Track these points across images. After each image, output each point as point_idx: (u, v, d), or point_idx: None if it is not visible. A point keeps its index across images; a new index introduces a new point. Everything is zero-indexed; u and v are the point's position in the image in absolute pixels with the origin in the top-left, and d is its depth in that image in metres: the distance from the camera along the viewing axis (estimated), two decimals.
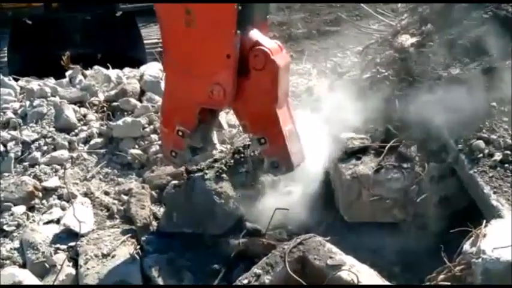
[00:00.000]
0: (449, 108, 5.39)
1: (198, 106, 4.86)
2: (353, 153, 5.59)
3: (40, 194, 6.44)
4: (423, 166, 5.30)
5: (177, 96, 4.97)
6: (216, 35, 4.52)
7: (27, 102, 7.64)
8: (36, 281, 5.48)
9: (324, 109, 6.22)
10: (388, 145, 5.51)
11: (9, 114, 7.55)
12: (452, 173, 5.27)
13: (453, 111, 5.36)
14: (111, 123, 7.25)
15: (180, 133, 5.02)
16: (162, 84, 7.63)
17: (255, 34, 4.59)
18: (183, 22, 4.57)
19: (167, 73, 5.01)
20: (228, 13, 4.37)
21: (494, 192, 4.88)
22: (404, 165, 5.35)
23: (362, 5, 12.27)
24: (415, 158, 5.37)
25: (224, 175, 5.65)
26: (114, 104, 7.60)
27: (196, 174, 5.74)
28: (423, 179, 5.24)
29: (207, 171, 5.75)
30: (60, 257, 5.65)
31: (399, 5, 10.15)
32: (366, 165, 5.41)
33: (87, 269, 5.47)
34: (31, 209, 6.31)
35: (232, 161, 5.81)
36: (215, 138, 5.44)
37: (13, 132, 7.18)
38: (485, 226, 4.44)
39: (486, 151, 5.14)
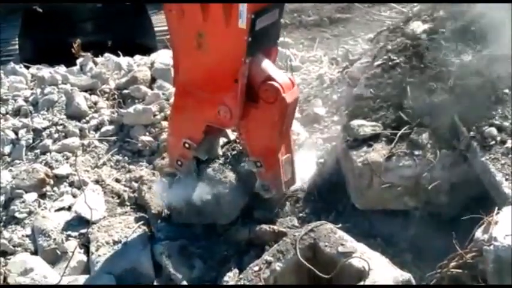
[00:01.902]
0: (461, 94, 5.36)
1: (204, 123, 4.96)
2: (364, 140, 5.55)
3: (51, 182, 6.46)
4: (435, 153, 5.27)
5: (185, 111, 5.07)
6: (226, 60, 4.61)
7: (38, 90, 7.66)
8: (47, 268, 5.51)
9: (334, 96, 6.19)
10: (400, 132, 5.47)
11: (20, 101, 7.59)
12: (464, 160, 5.23)
13: (465, 98, 5.34)
14: (122, 110, 7.25)
15: (187, 145, 5.14)
16: (173, 72, 7.64)
17: (267, 66, 4.68)
18: (195, 44, 4.63)
19: (177, 89, 5.10)
20: (238, 42, 4.42)
21: (506, 180, 4.85)
22: (416, 153, 5.31)
23: None
24: (427, 145, 5.33)
25: (228, 164, 5.65)
26: (125, 91, 7.61)
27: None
28: (435, 167, 5.21)
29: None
30: (72, 244, 5.69)
31: None
32: (377, 152, 5.38)
33: (99, 255, 5.50)
34: (42, 196, 6.34)
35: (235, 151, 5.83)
36: (219, 147, 5.48)
37: (24, 120, 7.20)
38: (497, 213, 4.42)
39: (498, 138, 5.11)
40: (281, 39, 9.14)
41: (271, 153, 4.90)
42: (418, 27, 6.55)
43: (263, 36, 4.59)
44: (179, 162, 5.33)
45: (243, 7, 4.34)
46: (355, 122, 5.65)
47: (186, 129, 5.11)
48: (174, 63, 4.99)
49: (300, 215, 5.51)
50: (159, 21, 12.29)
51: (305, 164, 5.60)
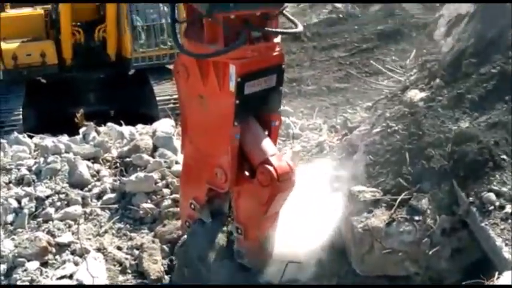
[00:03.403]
0: (459, 160, 5.43)
1: (206, 185, 5.00)
2: (364, 206, 5.59)
3: (53, 250, 6.48)
4: (434, 219, 5.30)
5: (190, 172, 5.14)
6: (221, 122, 4.69)
7: (42, 159, 7.74)
8: None
9: (334, 163, 6.25)
10: (400, 198, 5.52)
11: (24, 170, 7.65)
12: (463, 225, 5.26)
13: (463, 164, 5.40)
14: (124, 178, 7.33)
15: (193, 206, 5.17)
16: (175, 140, 7.74)
17: (267, 146, 4.74)
18: (198, 105, 4.75)
19: (185, 150, 5.18)
20: (229, 104, 4.51)
21: (506, 245, 4.87)
22: (416, 218, 5.34)
23: (371, 61, 12.44)
24: (427, 211, 5.37)
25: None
26: (127, 159, 7.70)
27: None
28: (435, 232, 5.24)
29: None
30: None
31: (408, 61, 10.28)
32: (378, 218, 5.42)
33: None
34: (44, 264, 6.35)
35: None
36: (227, 210, 5.50)
37: (27, 189, 7.26)
38: (498, 278, 4.43)
39: (497, 203, 5.15)
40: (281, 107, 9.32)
41: (252, 228, 4.97)
42: (415, 95, 6.66)
43: (256, 101, 4.65)
44: (187, 223, 5.37)
45: (233, 69, 4.43)
46: (355, 188, 5.70)
47: (192, 190, 5.17)
48: (182, 124, 5.09)
49: (302, 281, 5.49)
50: (161, 91, 12.48)
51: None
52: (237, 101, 4.52)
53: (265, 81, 4.67)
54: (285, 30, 4.82)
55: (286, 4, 4.60)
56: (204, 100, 4.74)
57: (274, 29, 4.59)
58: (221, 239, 5.36)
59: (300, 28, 4.75)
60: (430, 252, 5.19)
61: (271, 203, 4.74)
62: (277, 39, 4.70)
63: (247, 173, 4.90)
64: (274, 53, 4.69)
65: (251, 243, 5.02)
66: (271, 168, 4.61)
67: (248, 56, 4.51)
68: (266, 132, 4.94)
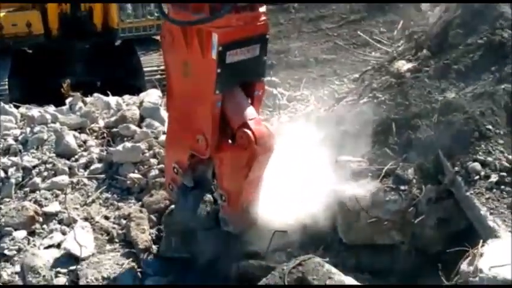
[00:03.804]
0: (445, 130, 5.47)
1: (188, 150, 5.01)
2: (351, 176, 5.63)
3: (41, 219, 6.49)
4: (420, 188, 5.35)
5: (175, 136, 5.17)
6: (203, 90, 4.69)
7: (28, 129, 7.71)
8: None
9: (321, 133, 6.27)
10: (386, 168, 5.56)
11: (10, 140, 7.62)
12: (449, 195, 5.31)
13: (449, 134, 5.44)
14: (111, 148, 7.32)
15: (175, 170, 5.19)
16: (162, 111, 7.73)
17: (246, 110, 4.76)
18: (183, 71, 4.75)
19: (169, 113, 5.21)
20: (211, 73, 4.52)
21: (491, 214, 4.93)
22: (402, 188, 5.39)
23: (359, 32, 12.43)
24: (412, 181, 5.42)
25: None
26: (114, 130, 7.68)
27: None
28: (420, 201, 5.29)
29: None
30: (61, 281, 5.71)
31: (395, 32, 10.28)
32: (364, 188, 5.45)
33: None
34: (32, 233, 6.36)
35: None
36: (211, 178, 5.49)
37: (14, 158, 7.24)
38: (482, 246, 4.49)
39: (482, 173, 5.20)
40: (268, 78, 9.31)
41: (235, 194, 5.01)
42: (402, 66, 6.69)
43: (239, 70, 4.66)
44: (170, 186, 5.40)
45: (215, 38, 4.43)
46: (342, 158, 5.74)
47: (175, 154, 5.20)
48: (168, 88, 5.10)
49: (288, 250, 5.53)
50: (147, 61, 12.43)
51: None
52: (219, 70, 4.53)
53: (248, 51, 4.66)
54: None
55: None
56: (188, 67, 4.75)
57: None
58: (206, 207, 5.39)
59: None
60: (416, 221, 5.25)
61: (251, 166, 4.78)
62: (263, 9, 4.69)
63: (230, 141, 4.93)
64: (259, 23, 4.68)
65: (235, 209, 5.06)
66: (249, 131, 4.65)
67: (232, 25, 4.51)
68: (249, 101, 4.95)
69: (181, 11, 4.63)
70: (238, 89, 4.86)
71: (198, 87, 4.75)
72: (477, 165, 5.23)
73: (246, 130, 4.66)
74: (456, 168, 5.28)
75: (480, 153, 5.35)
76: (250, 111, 4.79)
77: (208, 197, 5.39)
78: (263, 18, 4.68)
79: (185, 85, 4.86)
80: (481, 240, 4.56)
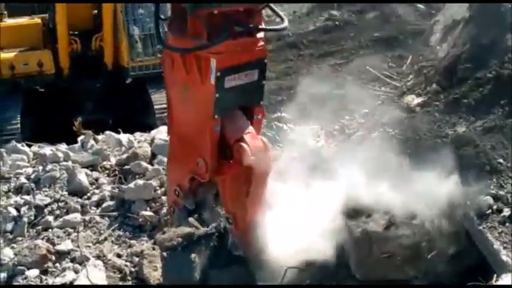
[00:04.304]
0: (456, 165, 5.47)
1: (189, 173, 5.04)
2: (363, 211, 5.61)
3: (53, 257, 6.49)
4: (433, 222, 5.33)
5: (176, 160, 5.18)
6: (202, 114, 4.72)
7: (40, 167, 7.76)
8: None
9: (333, 169, 6.27)
10: (398, 202, 5.54)
11: (23, 179, 7.66)
12: (462, 229, 5.29)
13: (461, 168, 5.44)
14: (123, 186, 7.34)
15: (176, 193, 5.19)
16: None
17: (243, 127, 4.76)
18: (182, 95, 4.79)
19: (170, 136, 5.22)
20: (209, 97, 4.55)
21: (504, 248, 4.91)
22: (414, 222, 5.37)
23: (368, 67, 12.48)
24: (425, 215, 5.40)
25: None
26: (126, 167, 7.72)
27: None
28: (433, 236, 5.26)
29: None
30: None
31: (404, 67, 10.33)
32: (376, 222, 5.44)
33: None
34: (44, 272, 6.37)
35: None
36: (212, 201, 5.49)
37: (26, 197, 7.28)
38: (496, 281, 4.46)
39: (495, 207, 5.19)
40: (278, 114, 9.35)
41: (240, 214, 4.97)
42: (412, 100, 6.72)
43: (238, 94, 4.67)
44: (172, 209, 5.41)
45: (213, 63, 4.46)
46: (353, 192, 5.73)
47: (176, 177, 5.20)
48: (168, 112, 5.11)
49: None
50: (158, 99, 12.49)
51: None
52: (217, 95, 4.55)
53: (246, 76, 4.68)
54: (268, 27, 4.83)
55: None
56: (187, 91, 4.78)
57: (257, 25, 4.61)
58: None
59: (285, 24, 4.77)
60: (429, 256, 5.22)
61: (250, 181, 4.76)
62: (260, 34, 4.71)
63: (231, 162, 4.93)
64: (257, 48, 4.70)
65: (243, 230, 5.02)
66: (244, 144, 4.64)
67: (230, 50, 4.53)
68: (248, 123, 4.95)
69: (179, 37, 4.67)
70: (237, 111, 4.86)
71: (197, 111, 4.77)
72: (489, 199, 5.22)
73: (242, 144, 4.66)
74: (468, 202, 5.27)
75: (492, 186, 5.34)
76: (246, 127, 4.78)
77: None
78: (261, 43, 4.70)
79: (185, 109, 4.88)
80: (495, 275, 4.54)
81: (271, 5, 4.64)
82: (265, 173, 4.88)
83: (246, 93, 4.78)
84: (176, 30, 4.72)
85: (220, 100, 4.57)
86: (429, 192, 5.54)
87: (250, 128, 4.82)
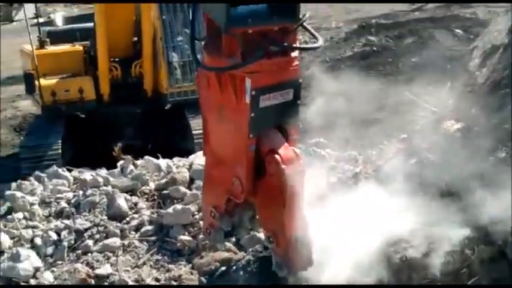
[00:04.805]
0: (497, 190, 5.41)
1: (225, 194, 5.02)
2: (402, 237, 5.58)
3: (92, 281, 6.55)
4: (473, 249, 5.28)
5: (211, 180, 5.17)
6: (237, 133, 4.70)
7: (80, 192, 7.87)
8: None
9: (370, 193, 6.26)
10: (438, 228, 5.50)
11: (63, 204, 7.79)
12: (502, 255, 5.22)
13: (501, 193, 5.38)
14: (161, 211, 7.40)
15: (212, 214, 5.18)
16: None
17: (274, 139, 4.75)
18: (218, 115, 4.81)
19: (206, 158, 5.22)
20: (244, 117, 4.56)
21: None
22: (454, 248, 5.32)
23: (407, 93, 12.44)
24: (465, 241, 5.35)
25: None
26: (164, 192, 7.78)
27: None
28: (473, 262, 5.21)
29: None
30: None
31: (443, 92, 10.26)
32: (415, 249, 5.40)
33: None
34: None
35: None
36: (248, 222, 5.46)
37: (66, 221, 7.39)
38: None
39: None
40: (316, 139, 9.35)
41: (278, 228, 4.85)
42: (451, 125, 6.67)
43: (273, 114, 4.68)
44: (208, 231, 5.38)
45: (248, 82, 4.47)
46: (392, 218, 5.70)
47: (212, 198, 5.20)
48: (204, 133, 5.13)
49: None
50: (196, 124, 12.59)
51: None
52: (252, 114, 4.56)
53: (281, 95, 4.66)
54: (303, 46, 4.83)
55: (305, 18, 4.61)
56: (222, 111, 4.80)
57: (292, 44, 4.63)
58: None
59: (320, 43, 4.76)
60: (469, 283, 5.16)
61: (285, 192, 4.71)
62: (295, 54, 4.73)
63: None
64: (291, 68, 4.72)
65: (284, 248, 4.93)
66: (276, 155, 4.63)
67: (264, 70, 4.56)
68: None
69: (215, 56, 4.71)
70: (272, 129, 4.85)
71: (232, 131, 4.77)
72: None
73: (274, 155, 4.65)
74: (509, 228, 5.20)
75: None
76: (278, 140, 4.77)
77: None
78: (295, 63, 4.71)
79: (220, 129, 4.90)
80: None
81: (305, 24, 4.65)
82: (298, 182, 4.84)
83: (281, 113, 4.78)
84: (211, 50, 4.76)
85: (255, 119, 4.58)
86: (469, 217, 5.51)
87: (282, 140, 4.81)
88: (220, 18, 4.41)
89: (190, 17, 4.91)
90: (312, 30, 4.71)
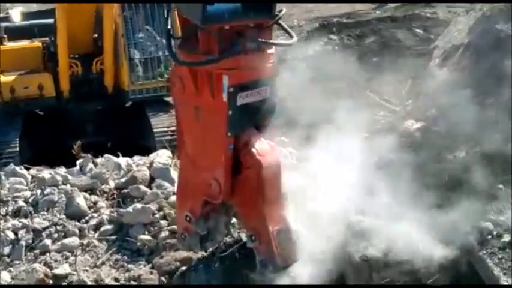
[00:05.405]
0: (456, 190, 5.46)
1: (202, 197, 4.98)
2: (362, 235, 5.59)
3: (50, 282, 6.46)
4: (432, 248, 5.30)
5: (187, 183, 5.12)
6: (214, 133, 4.67)
7: (39, 191, 7.74)
8: None
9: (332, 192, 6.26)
10: (398, 227, 5.52)
11: (21, 202, 7.65)
12: (462, 254, 5.27)
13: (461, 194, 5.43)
14: (121, 210, 7.31)
15: (188, 219, 5.12)
16: (172, 171, 7.75)
17: (249, 134, 4.73)
18: (193, 116, 4.76)
19: (181, 161, 5.17)
20: (222, 115, 4.53)
21: (504, 274, 4.89)
22: (413, 248, 5.35)
23: (368, 93, 12.52)
24: (425, 240, 5.38)
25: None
26: (124, 191, 7.69)
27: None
28: (433, 261, 5.24)
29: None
30: None
31: (403, 92, 10.36)
32: (375, 248, 5.41)
33: None
34: None
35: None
36: (223, 225, 5.41)
37: (24, 220, 7.25)
38: None
39: (495, 232, 5.18)
40: (278, 138, 9.32)
41: (260, 225, 4.81)
42: (412, 125, 6.72)
43: (250, 112, 4.65)
44: (183, 236, 5.31)
45: (225, 80, 4.45)
46: (353, 217, 5.71)
47: (187, 202, 5.14)
48: (178, 136, 5.07)
49: None
50: (158, 122, 12.52)
51: None
52: (230, 112, 4.53)
53: (258, 93, 4.66)
54: (279, 42, 4.82)
55: (280, 14, 4.60)
56: (199, 111, 4.75)
57: (268, 40, 4.61)
58: None
59: (295, 39, 4.76)
60: (429, 282, 5.19)
61: (262, 182, 4.68)
62: (271, 50, 4.71)
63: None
64: (268, 64, 4.70)
65: (265, 245, 4.84)
66: (252, 148, 4.61)
67: (241, 66, 4.53)
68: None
69: (191, 53, 4.66)
70: (250, 128, 4.82)
71: (209, 131, 4.74)
72: (489, 225, 5.21)
73: (250, 148, 4.63)
74: (468, 228, 5.25)
75: (492, 212, 5.33)
76: (253, 133, 4.74)
77: None
78: (272, 59, 4.70)
79: (196, 130, 4.85)
80: None
81: (281, 22, 4.64)
82: (275, 174, 4.78)
83: (259, 111, 4.76)
84: (188, 48, 4.71)
85: (233, 117, 4.55)
86: (428, 218, 5.54)
87: (255, 134, 4.77)
88: (196, 15, 4.37)
89: (166, 15, 4.85)
90: (287, 27, 4.71)
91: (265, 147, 4.69)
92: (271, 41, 4.60)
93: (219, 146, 4.68)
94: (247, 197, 4.80)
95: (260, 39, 4.51)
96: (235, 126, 4.60)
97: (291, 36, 4.72)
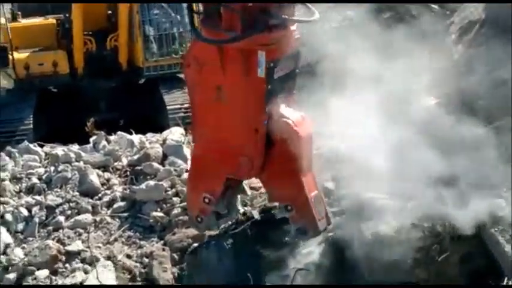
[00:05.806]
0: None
1: (225, 176, 4.94)
2: (374, 213, 5.56)
3: (63, 258, 6.51)
4: (444, 225, 5.27)
5: (204, 165, 5.05)
6: (245, 110, 4.62)
7: (52, 168, 7.77)
8: None
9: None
10: (409, 204, 5.49)
11: (34, 179, 7.68)
12: (473, 231, 5.23)
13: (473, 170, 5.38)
14: (134, 187, 7.33)
15: (207, 200, 5.06)
16: (185, 149, 7.74)
17: (280, 106, 4.70)
18: (213, 97, 4.70)
19: (196, 143, 5.11)
20: (258, 91, 4.49)
21: None
22: (425, 225, 5.32)
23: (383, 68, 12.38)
24: (436, 217, 5.35)
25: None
26: (137, 168, 7.70)
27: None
28: (444, 238, 5.21)
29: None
30: None
31: (420, 68, 10.24)
32: (387, 225, 5.39)
33: None
34: (54, 272, 6.38)
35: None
36: (238, 203, 5.42)
37: (37, 197, 7.29)
38: (507, 283, 4.41)
39: (507, 210, 5.13)
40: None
41: (298, 192, 4.77)
42: (427, 101, 6.65)
43: (281, 85, 4.65)
44: (199, 219, 5.25)
45: (262, 56, 4.41)
46: (366, 194, 5.68)
47: (206, 184, 5.08)
48: (193, 118, 5.00)
49: None
50: (171, 100, 12.50)
51: None
52: (269, 86, 4.51)
53: (287, 65, 4.67)
54: (302, 19, 4.80)
55: None
56: (221, 92, 4.70)
57: (291, 18, 4.59)
58: None
59: (317, 16, 4.74)
60: (440, 259, 5.17)
61: (299, 152, 4.64)
62: (294, 27, 4.70)
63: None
64: (294, 38, 4.69)
65: (306, 212, 4.79)
66: (285, 119, 4.59)
67: (273, 42, 4.51)
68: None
69: (213, 30, 4.62)
70: (282, 100, 4.80)
71: (237, 109, 4.69)
72: (501, 202, 5.17)
73: (283, 118, 4.61)
74: (480, 205, 5.21)
75: (504, 189, 5.28)
76: (283, 106, 4.72)
77: None
78: (296, 33, 4.69)
79: (218, 111, 4.80)
80: (506, 278, 4.49)
81: None
82: (309, 144, 4.75)
83: (287, 83, 4.75)
84: (210, 24, 4.67)
85: (271, 91, 4.53)
86: (441, 195, 5.50)
87: (285, 106, 4.73)
88: None
89: None
90: (309, 5, 4.68)
91: (298, 118, 4.66)
92: (294, 18, 4.57)
93: (251, 123, 4.63)
94: (281, 169, 4.75)
95: (284, 16, 4.48)
96: (271, 99, 4.58)
97: (313, 14, 4.70)
